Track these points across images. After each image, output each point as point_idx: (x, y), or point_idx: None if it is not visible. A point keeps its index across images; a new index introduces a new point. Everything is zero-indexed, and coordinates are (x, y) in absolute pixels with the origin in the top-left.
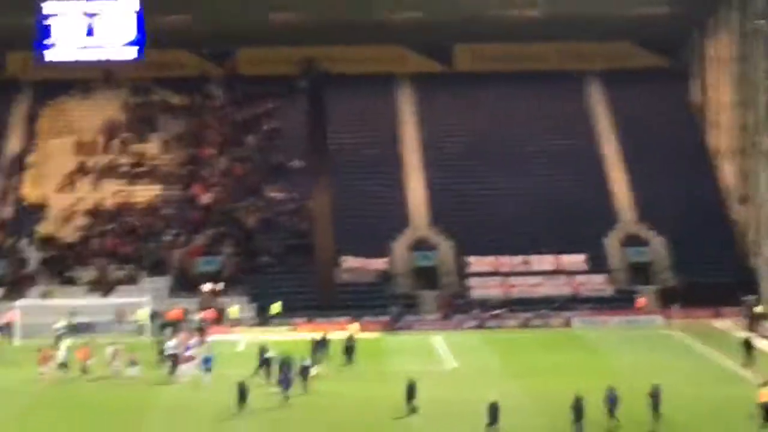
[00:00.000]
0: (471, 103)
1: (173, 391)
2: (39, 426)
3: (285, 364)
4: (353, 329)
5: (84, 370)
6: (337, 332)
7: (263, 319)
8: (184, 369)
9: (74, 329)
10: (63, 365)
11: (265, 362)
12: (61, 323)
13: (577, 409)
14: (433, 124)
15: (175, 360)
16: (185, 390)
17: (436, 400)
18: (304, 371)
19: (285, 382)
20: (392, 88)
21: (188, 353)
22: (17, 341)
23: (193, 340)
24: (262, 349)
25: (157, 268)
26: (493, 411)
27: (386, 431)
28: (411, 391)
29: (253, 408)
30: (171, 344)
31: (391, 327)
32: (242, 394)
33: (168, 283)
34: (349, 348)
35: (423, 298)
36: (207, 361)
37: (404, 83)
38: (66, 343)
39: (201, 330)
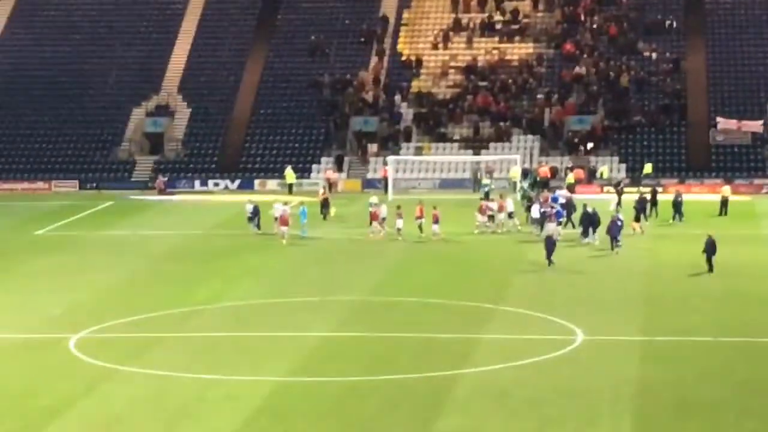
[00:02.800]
0: None
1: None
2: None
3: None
4: (725, 192)
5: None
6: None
7: (634, 178)
8: (551, 227)
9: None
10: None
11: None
12: (486, 180)
13: None
14: None
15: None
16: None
17: None
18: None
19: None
20: None
21: (552, 210)
22: (390, 196)
23: (559, 196)
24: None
25: (529, 126)
26: None
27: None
28: (711, 249)
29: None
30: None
31: None
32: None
33: (539, 142)
34: (677, 204)
35: None
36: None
37: None
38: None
39: (570, 188)
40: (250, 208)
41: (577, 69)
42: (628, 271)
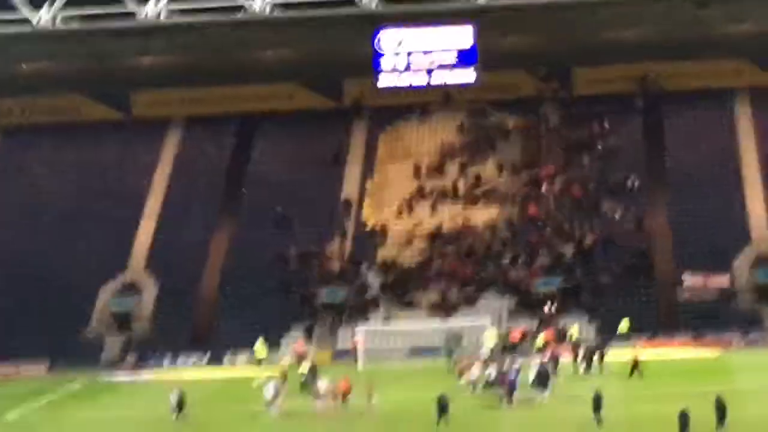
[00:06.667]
0: None
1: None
2: None
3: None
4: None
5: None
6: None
7: (603, 338)
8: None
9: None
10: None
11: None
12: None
13: None
14: None
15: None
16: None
17: None
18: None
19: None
20: (729, 102)
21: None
22: (360, 366)
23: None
24: None
25: (496, 290)
26: None
27: None
28: (597, 403)
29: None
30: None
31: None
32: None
33: (508, 305)
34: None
35: (767, 315)
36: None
37: (742, 97)
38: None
39: (541, 350)
40: (174, 397)
41: (541, 231)
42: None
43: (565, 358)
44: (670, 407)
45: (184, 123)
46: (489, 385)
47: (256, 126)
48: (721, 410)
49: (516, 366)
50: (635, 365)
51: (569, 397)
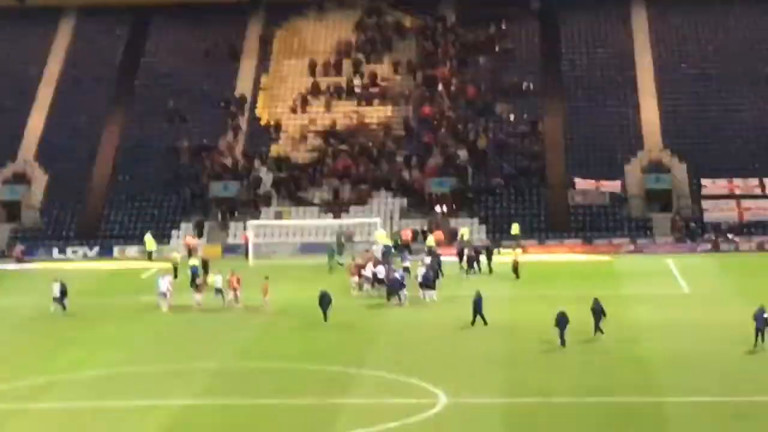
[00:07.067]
0: (705, 22)
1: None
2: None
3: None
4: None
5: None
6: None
7: (494, 241)
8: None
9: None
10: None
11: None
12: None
13: None
14: (667, 43)
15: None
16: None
17: (668, 323)
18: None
19: None
20: (626, 8)
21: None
22: (251, 261)
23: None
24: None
25: (389, 189)
26: None
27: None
28: (477, 304)
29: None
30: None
31: None
32: None
33: (400, 204)
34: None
35: (656, 221)
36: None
37: (638, 2)
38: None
39: (432, 250)
40: (56, 287)
41: (435, 131)
42: (493, 328)
43: (452, 259)
44: (552, 309)
45: (77, 13)
46: (378, 283)
47: (150, 18)
48: (597, 313)
49: (406, 265)
50: (516, 267)
51: (453, 298)
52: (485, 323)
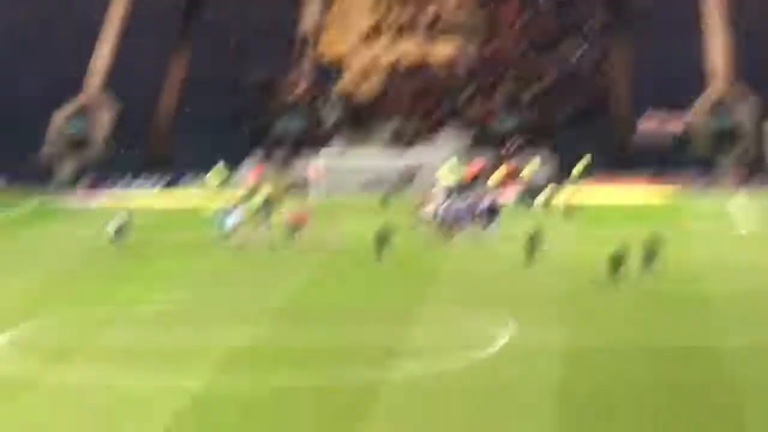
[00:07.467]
0: None
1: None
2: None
3: None
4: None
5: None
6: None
7: (561, 176)
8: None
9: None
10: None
11: None
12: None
13: None
14: None
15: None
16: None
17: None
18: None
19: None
20: None
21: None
22: (315, 198)
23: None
24: None
25: (454, 127)
26: None
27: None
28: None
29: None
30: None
31: None
32: None
33: (465, 141)
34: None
35: (721, 160)
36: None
37: None
38: None
39: (497, 187)
40: (119, 221)
41: (502, 66)
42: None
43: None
44: (611, 248)
45: None
46: (441, 220)
47: None
48: (650, 252)
49: (470, 201)
50: (572, 207)
51: (512, 236)
52: (536, 261)
